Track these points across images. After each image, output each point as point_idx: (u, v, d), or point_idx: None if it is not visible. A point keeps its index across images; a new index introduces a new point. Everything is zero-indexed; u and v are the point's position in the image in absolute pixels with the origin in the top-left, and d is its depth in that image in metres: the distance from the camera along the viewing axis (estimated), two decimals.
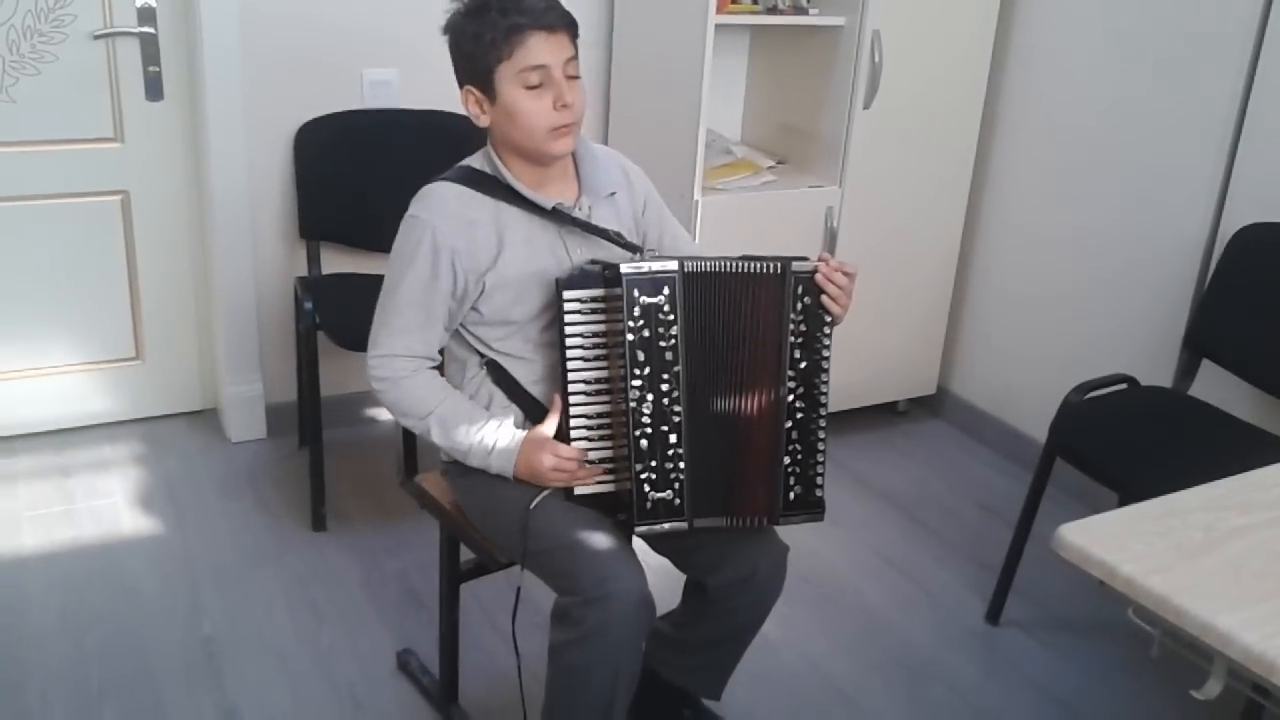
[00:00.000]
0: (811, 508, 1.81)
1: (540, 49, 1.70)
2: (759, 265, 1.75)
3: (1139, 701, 2.36)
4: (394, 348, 1.79)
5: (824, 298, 1.76)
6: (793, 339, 1.76)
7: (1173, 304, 2.84)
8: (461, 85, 1.78)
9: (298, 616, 2.45)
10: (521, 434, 1.79)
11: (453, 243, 1.75)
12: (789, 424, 1.77)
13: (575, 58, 1.76)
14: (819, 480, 1.81)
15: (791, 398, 1.77)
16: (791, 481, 1.79)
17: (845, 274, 1.78)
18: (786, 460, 1.78)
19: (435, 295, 1.77)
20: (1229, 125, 2.67)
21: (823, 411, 1.80)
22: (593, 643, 1.66)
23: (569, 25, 1.75)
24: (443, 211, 1.77)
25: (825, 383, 1.79)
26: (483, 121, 1.78)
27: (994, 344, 3.43)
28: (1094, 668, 2.46)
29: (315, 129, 2.96)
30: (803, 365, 1.77)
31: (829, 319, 1.78)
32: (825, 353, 1.78)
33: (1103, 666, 2.46)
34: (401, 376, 1.80)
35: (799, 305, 1.76)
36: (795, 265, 1.75)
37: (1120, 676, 2.43)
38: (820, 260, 1.77)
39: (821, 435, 1.80)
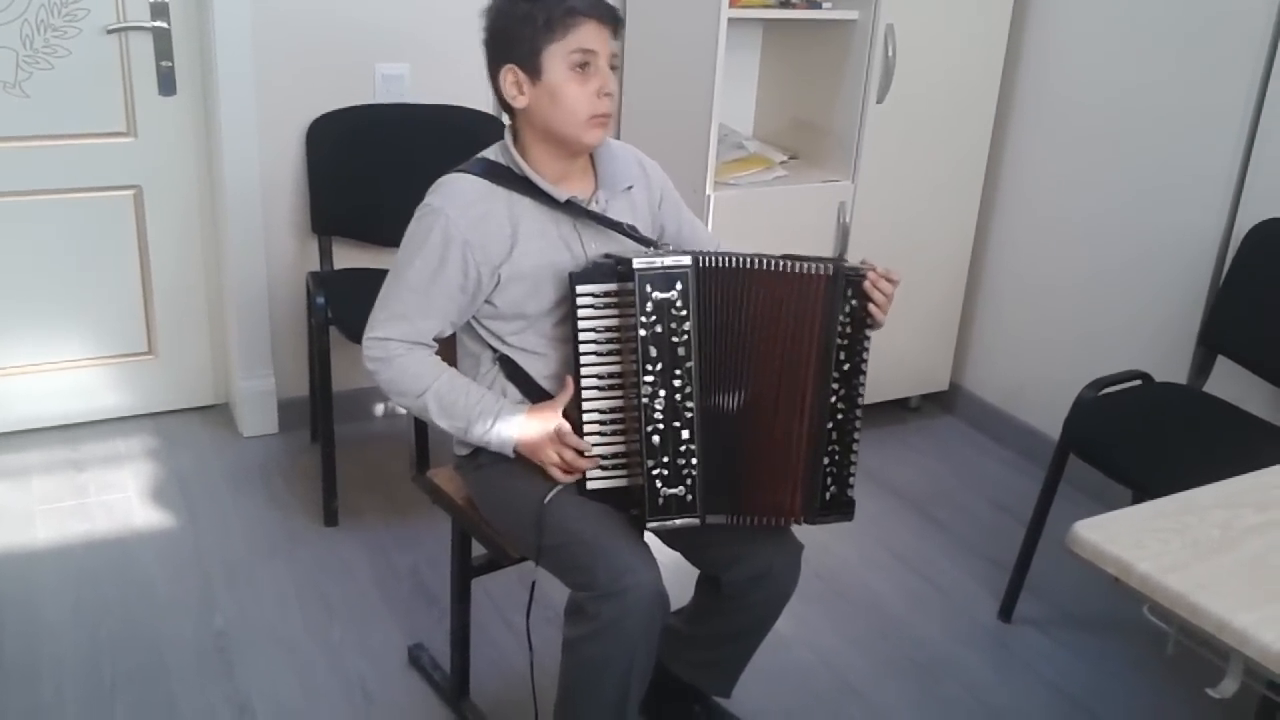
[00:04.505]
0: (844, 508, 1.81)
1: (592, 36, 1.72)
2: (797, 265, 1.73)
3: (1153, 700, 2.35)
4: (389, 331, 1.79)
5: (870, 305, 1.76)
6: (840, 341, 1.75)
7: (1188, 299, 2.83)
8: (499, 64, 1.77)
9: (309, 611, 2.45)
10: (524, 408, 1.79)
11: (466, 235, 1.75)
12: (829, 425, 1.77)
13: (616, 55, 1.78)
14: (851, 481, 1.81)
15: (834, 399, 1.76)
16: (828, 482, 1.78)
17: (891, 281, 1.77)
18: (825, 461, 1.77)
19: (438, 286, 1.76)
20: (1245, 120, 2.65)
21: (859, 413, 1.79)
22: (607, 637, 1.65)
23: (616, 23, 1.77)
24: (458, 202, 1.76)
25: (863, 384, 1.79)
26: (519, 103, 1.77)
27: (1007, 340, 3.42)
28: (1107, 665, 2.45)
29: (327, 123, 2.96)
30: (846, 367, 1.76)
31: (870, 323, 1.77)
32: (865, 355, 1.78)
33: (1116, 664, 2.45)
34: (396, 355, 1.79)
35: (847, 308, 1.75)
36: (846, 267, 1.74)
37: (1134, 674, 2.42)
38: (866, 265, 1.76)
39: (857, 436, 1.80)
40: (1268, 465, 1.55)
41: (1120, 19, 2.93)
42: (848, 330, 1.75)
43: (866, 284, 1.75)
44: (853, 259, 1.83)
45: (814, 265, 1.73)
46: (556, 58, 1.72)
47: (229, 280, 3.08)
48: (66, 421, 3.15)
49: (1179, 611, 1.23)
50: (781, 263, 1.73)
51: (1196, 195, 2.78)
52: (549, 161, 1.80)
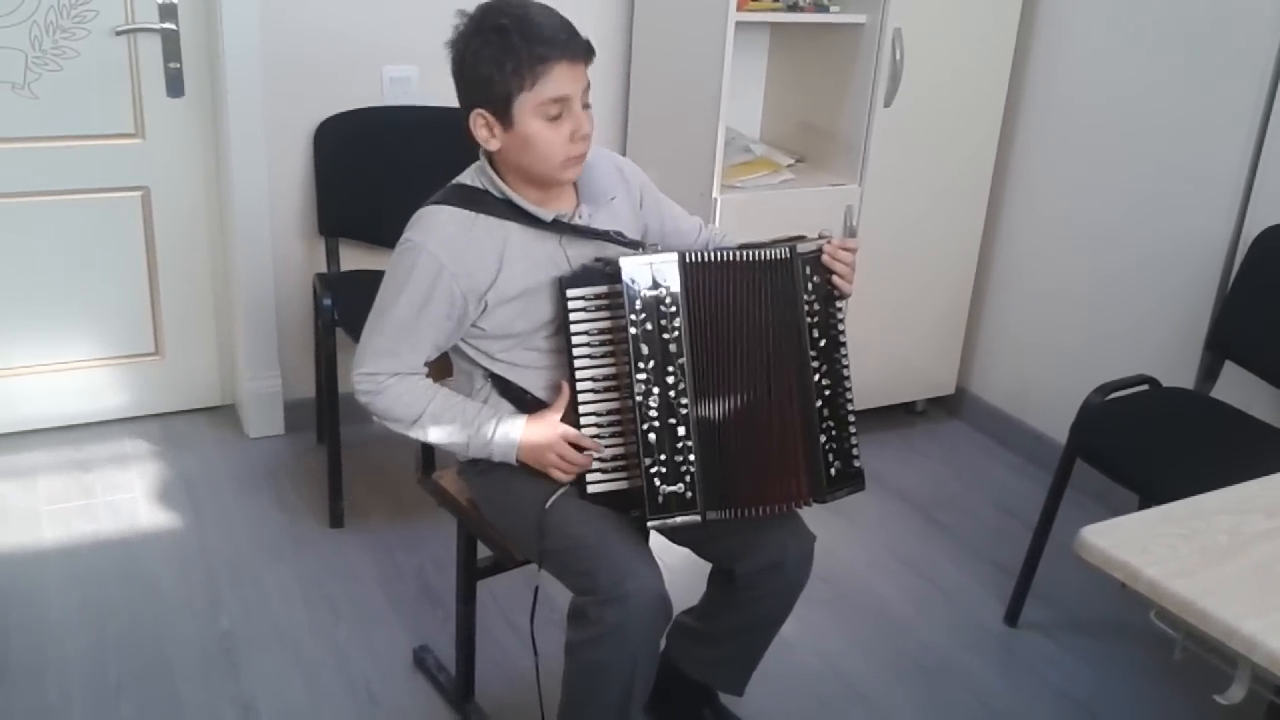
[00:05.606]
0: (853, 479, 1.83)
1: (563, 80, 1.67)
2: (766, 252, 1.76)
3: (1159, 706, 2.34)
4: (378, 367, 1.79)
5: (833, 277, 1.80)
6: (809, 319, 1.77)
7: (1195, 304, 2.82)
8: (470, 107, 1.72)
9: (315, 612, 2.45)
10: (521, 419, 1.78)
11: (451, 268, 1.73)
12: (819, 403, 1.78)
13: (589, 86, 1.73)
14: (855, 451, 1.83)
15: (817, 376, 1.78)
16: (831, 458, 1.80)
17: (848, 249, 1.81)
18: (823, 439, 1.79)
19: (424, 320, 1.76)
20: (1254, 125, 2.64)
21: (847, 384, 1.82)
22: (610, 642, 1.65)
23: (589, 54, 1.71)
24: (439, 236, 1.74)
25: (845, 355, 1.82)
26: (492, 145, 1.73)
27: (1014, 344, 3.41)
28: (1114, 671, 2.44)
29: (335, 125, 2.96)
30: (822, 344, 1.79)
31: (837, 294, 1.81)
32: (840, 326, 1.81)
33: (1123, 670, 2.44)
34: (387, 387, 1.79)
35: (809, 285, 1.78)
36: (801, 247, 1.78)
37: (1141, 680, 2.41)
38: (823, 239, 1.80)
39: (850, 407, 1.82)
40: (1275, 471, 1.54)
41: (1128, 23, 2.92)
42: (816, 306, 1.78)
43: (825, 257, 1.79)
44: (811, 233, 1.85)
45: (771, 250, 1.76)
46: (527, 108, 1.67)
47: (236, 281, 3.08)
48: (73, 422, 3.16)
49: (1186, 617, 1.22)
50: (743, 252, 1.75)
51: (1204, 200, 2.78)
52: (528, 190, 1.78)
